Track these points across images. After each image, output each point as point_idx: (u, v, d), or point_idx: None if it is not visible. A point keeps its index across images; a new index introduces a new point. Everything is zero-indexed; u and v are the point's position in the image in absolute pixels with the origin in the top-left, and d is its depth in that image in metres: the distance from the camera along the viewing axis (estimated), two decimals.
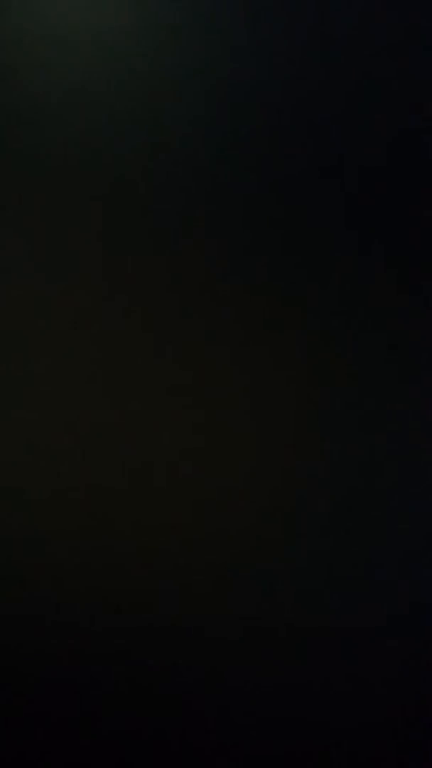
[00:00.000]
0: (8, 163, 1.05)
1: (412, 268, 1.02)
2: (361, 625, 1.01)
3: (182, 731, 1.02)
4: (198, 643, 1.02)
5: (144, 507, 1.03)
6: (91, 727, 1.03)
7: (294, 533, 1.02)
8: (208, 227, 1.04)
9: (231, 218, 1.04)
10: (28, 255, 1.05)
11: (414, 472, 1.01)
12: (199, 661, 1.02)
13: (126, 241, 1.04)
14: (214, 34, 1.04)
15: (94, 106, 1.05)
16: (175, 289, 1.04)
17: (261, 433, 1.03)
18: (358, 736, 1.01)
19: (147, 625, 1.02)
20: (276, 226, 1.03)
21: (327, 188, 1.03)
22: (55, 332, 1.04)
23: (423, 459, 1.01)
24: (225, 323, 1.03)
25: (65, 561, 1.03)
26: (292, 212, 1.03)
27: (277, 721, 1.02)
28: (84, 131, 1.05)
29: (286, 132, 1.03)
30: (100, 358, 1.04)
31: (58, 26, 1.05)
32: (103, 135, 1.05)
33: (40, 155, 1.05)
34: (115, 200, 1.05)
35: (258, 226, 1.03)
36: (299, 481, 1.02)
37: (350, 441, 1.02)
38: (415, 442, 1.02)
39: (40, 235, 1.05)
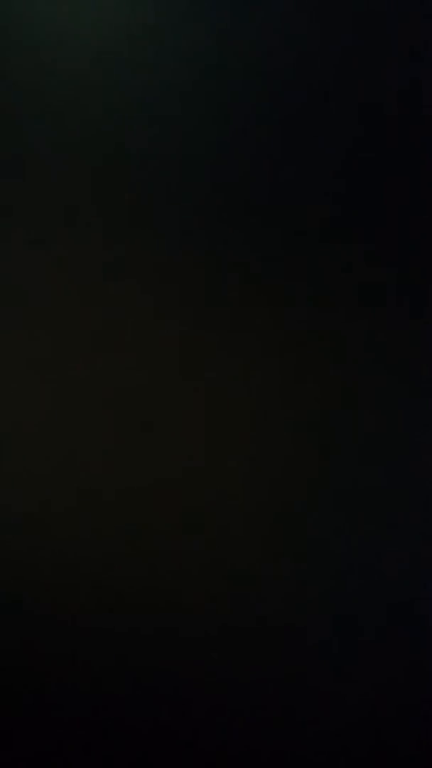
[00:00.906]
0: (8, 163, 1.05)
1: (413, 270, 1.02)
2: (361, 626, 1.01)
3: (182, 731, 1.02)
4: (198, 644, 1.02)
5: (143, 508, 1.03)
6: (91, 726, 1.03)
7: (294, 533, 1.02)
8: (209, 238, 1.04)
9: (232, 225, 1.04)
10: (26, 255, 1.05)
11: (415, 473, 1.02)
12: (199, 662, 1.02)
13: (126, 244, 1.04)
14: (211, 23, 1.04)
15: (94, 107, 1.05)
16: (176, 292, 1.04)
17: (261, 432, 1.03)
18: (358, 737, 1.01)
19: (147, 625, 1.03)
20: (276, 227, 1.03)
21: (332, 193, 1.03)
22: (55, 329, 1.04)
23: (423, 459, 1.02)
24: (227, 328, 1.03)
25: (65, 560, 1.03)
26: (292, 214, 1.03)
27: (277, 722, 1.02)
28: (83, 131, 1.05)
29: (287, 133, 1.03)
30: (100, 361, 1.04)
31: (58, 25, 1.05)
32: (102, 134, 1.05)
33: (39, 155, 1.05)
34: (114, 199, 1.05)
35: (258, 227, 1.03)
36: (299, 482, 1.02)
37: (351, 442, 1.02)
38: (416, 443, 1.02)
39: (39, 235, 1.05)
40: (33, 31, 1.05)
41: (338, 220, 1.03)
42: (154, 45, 1.05)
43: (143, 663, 1.03)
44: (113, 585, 1.03)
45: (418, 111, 1.03)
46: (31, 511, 1.04)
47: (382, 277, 1.03)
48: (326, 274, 1.03)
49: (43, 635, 1.03)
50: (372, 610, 1.01)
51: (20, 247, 1.05)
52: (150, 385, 1.04)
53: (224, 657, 1.02)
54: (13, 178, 1.05)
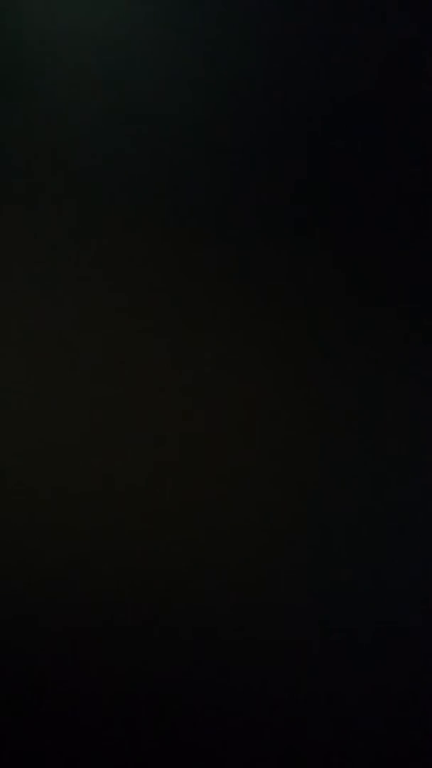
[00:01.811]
0: (7, 163, 1.05)
1: (413, 270, 1.02)
2: (361, 626, 1.01)
3: (182, 731, 1.02)
4: (198, 644, 1.02)
5: (144, 508, 1.03)
6: (91, 726, 1.03)
7: (295, 534, 1.02)
8: (210, 241, 1.04)
9: (233, 227, 1.04)
10: (25, 254, 1.05)
11: (416, 474, 1.02)
12: (199, 663, 1.02)
13: (125, 246, 1.04)
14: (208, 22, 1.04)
15: (94, 106, 1.05)
16: (176, 293, 1.04)
17: (261, 433, 1.03)
18: (358, 739, 1.01)
19: (146, 624, 1.03)
20: (276, 228, 1.03)
21: (331, 194, 1.03)
22: (54, 327, 1.05)
23: (424, 460, 1.02)
24: (225, 328, 1.03)
25: (65, 560, 1.03)
26: (292, 215, 1.03)
27: (277, 723, 1.02)
28: (83, 131, 1.05)
29: (288, 134, 1.03)
30: (99, 363, 1.04)
31: (58, 24, 1.05)
32: (102, 133, 1.05)
33: (39, 154, 1.05)
34: (113, 198, 1.05)
35: (258, 229, 1.03)
36: (299, 483, 1.02)
37: (352, 442, 1.02)
38: (417, 444, 1.02)
39: (39, 236, 1.05)
40: (32, 29, 1.06)
41: (338, 220, 1.03)
42: (153, 43, 1.05)
43: (143, 663, 1.03)
44: (113, 583, 1.03)
45: (419, 110, 1.03)
46: (32, 509, 1.04)
47: (382, 277, 1.03)
48: (326, 273, 1.03)
49: (43, 633, 1.03)
50: (373, 610, 1.01)
51: (19, 248, 1.05)
52: (150, 386, 1.04)
53: (224, 657, 1.02)
54: (10, 180, 1.05)
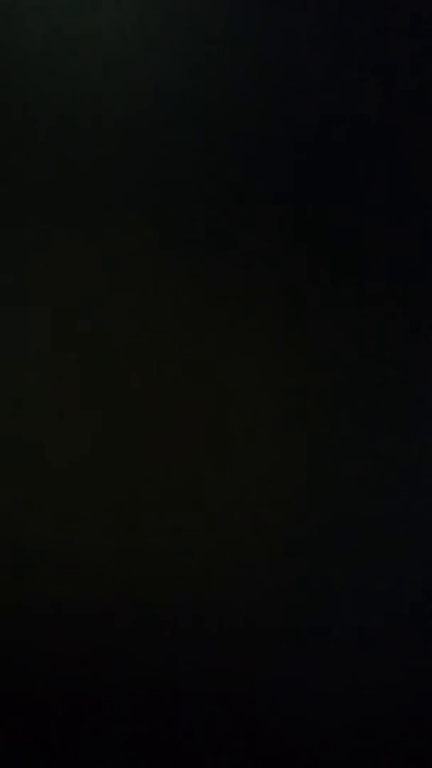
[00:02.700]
0: (8, 162, 1.05)
1: (413, 269, 1.02)
2: (361, 626, 1.01)
3: (182, 728, 1.03)
4: (198, 643, 1.03)
5: (143, 509, 1.03)
6: (91, 726, 1.03)
7: (294, 534, 1.02)
8: (210, 242, 1.04)
9: (232, 228, 1.04)
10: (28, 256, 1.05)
11: (416, 474, 1.02)
12: (199, 664, 1.03)
13: (124, 247, 1.04)
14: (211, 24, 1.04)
15: (94, 107, 1.05)
16: (176, 294, 1.04)
17: (261, 432, 1.03)
18: (357, 737, 1.01)
19: (145, 625, 1.03)
20: (276, 230, 1.03)
21: (331, 194, 1.03)
22: (56, 333, 1.05)
23: (425, 460, 1.02)
24: (225, 327, 1.03)
25: (66, 558, 1.03)
26: (292, 215, 1.03)
27: (276, 722, 1.02)
28: (83, 130, 1.05)
29: (288, 135, 1.03)
30: (100, 363, 1.04)
31: (59, 26, 1.05)
32: (102, 133, 1.05)
33: (40, 153, 1.05)
34: (114, 197, 1.05)
35: (259, 231, 1.03)
36: (299, 482, 1.02)
37: (352, 443, 1.02)
38: (418, 445, 1.02)
39: (38, 238, 1.05)
40: (32, 30, 1.06)
41: (339, 220, 1.03)
42: (153, 44, 1.05)
43: (143, 660, 1.03)
44: (112, 585, 1.03)
45: (419, 116, 1.03)
46: (33, 506, 1.04)
47: (382, 276, 1.03)
48: (325, 273, 1.03)
49: (43, 631, 1.04)
50: (372, 611, 1.01)
51: (19, 250, 1.05)
52: (150, 386, 1.04)
53: (224, 659, 1.02)
54: (11, 178, 1.05)
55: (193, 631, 1.02)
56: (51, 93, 1.05)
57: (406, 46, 1.02)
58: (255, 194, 1.03)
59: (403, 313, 1.02)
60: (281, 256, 1.03)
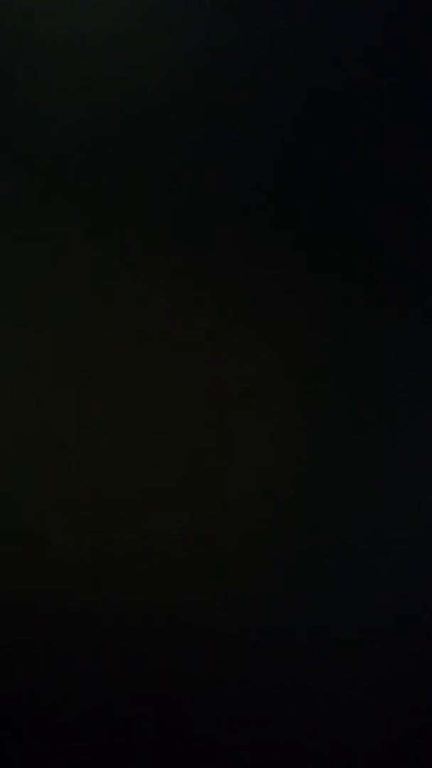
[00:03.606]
0: (7, 162, 1.05)
1: (412, 267, 1.03)
2: (361, 625, 1.02)
3: (183, 724, 1.03)
4: (198, 642, 1.03)
5: (145, 508, 1.03)
6: (92, 723, 1.03)
7: (294, 533, 1.02)
8: (208, 241, 1.04)
9: (230, 226, 1.04)
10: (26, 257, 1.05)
11: (415, 472, 1.02)
12: (199, 663, 1.03)
13: (123, 249, 1.04)
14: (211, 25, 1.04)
15: (94, 106, 1.05)
16: (175, 295, 1.04)
17: (260, 431, 1.03)
18: (357, 736, 1.02)
19: (145, 624, 1.03)
20: (276, 228, 1.03)
21: (330, 194, 1.03)
22: (56, 332, 1.05)
23: (424, 459, 1.02)
24: (224, 327, 1.03)
25: (66, 557, 1.03)
26: (291, 214, 1.03)
27: (275, 721, 1.02)
28: (82, 130, 1.05)
29: (287, 142, 1.03)
30: (100, 362, 1.04)
31: (58, 24, 1.05)
32: (102, 132, 1.05)
33: (39, 153, 1.05)
34: (113, 197, 1.05)
35: (259, 229, 1.03)
36: (299, 481, 1.02)
37: (352, 442, 1.02)
38: (416, 443, 1.02)
39: (41, 236, 1.05)
40: (32, 28, 1.05)
41: (338, 218, 1.03)
42: (153, 42, 1.05)
43: (143, 656, 1.03)
44: (112, 585, 1.03)
45: (419, 119, 1.03)
46: (33, 502, 1.04)
47: (381, 274, 1.03)
48: (325, 270, 1.03)
49: (43, 628, 1.03)
50: (371, 610, 1.02)
51: (21, 246, 1.05)
52: (150, 382, 1.04)
53: (224, 657, 1.02)
54: (14, 177, 1.05)
55: (193, 629, 1.03)
56: (49, 88, 1.05)
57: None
58: (255, 187, 1.04)
59: (403, 303, 1.02)
60: (281, 252, 1.03)
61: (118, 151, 1.05)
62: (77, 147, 1.05)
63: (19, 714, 1.03)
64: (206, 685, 1.02)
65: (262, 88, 1.04)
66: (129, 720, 1.03)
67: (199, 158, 1.04)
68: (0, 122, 1.05)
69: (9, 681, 1.03)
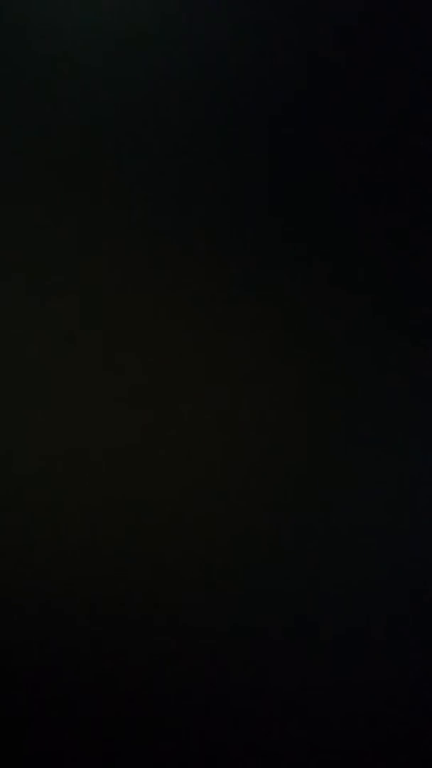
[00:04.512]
0: (8, 160, 1.05)
1: (413, 265, 1.02)
2: (360, 625, 1.01)
3: (181, 729, 1.03)
4: (198, 640, 1.03)
5: (144, 506, 1.03)
6: (91, 725, 1.03)
7: (293, 531, 1.02)
8: (209, 239, 1.04)
9: (230, 225, 1.03)
10: (27, 255, 1.05)
11: (414, 470, 1.01)
12: (200, 661, 1.03)
13: (125, 251, 1.04)
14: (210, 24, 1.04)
15: (94, 104, 1.05)
16: (177, 296, 1.04)
17: (261, 429, 1.03)
18: (357, 735, 1.02)
19: (145, 622, 1.03)
20: (277, 225, 1.03)
21: (329, 194, 1.03)
22: (56, 329, 1.05)
23: (424, 456, 1.01)
24: (226, 327, 1.03)
25: (66, 555, 1.04)
26: (291, 210, 1.03)
27: (275, 722, 1.02)
28: (82, 129, 1.05)
29: (288, 134, 1.03)
30: (99, 357, 1.04)
31: (59, 22, 1.05)
32: (102, 131, 1.05)
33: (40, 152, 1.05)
34: (113, 196, 1.05)
35: (260, 226, 1.03)
36: (299, 478, 1.02)
37: (352, 442, 1.02)
38: (420, 434, 1.02)
39: (40, 234, 1.05)
40: (32, 26, 1.06)
41: (339, 215, 1.03)
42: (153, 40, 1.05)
43: (144, 651, 1.03)
44: (112, 583, 1.03)
45: (419, 115, 1.02)
46: (35, 499, 1.04)
47: (382, 271, 1.02)
48: (327, 270, 1.03)
49: (45, 625, 1.04)
50: (371, 608, 1.01)
51: (19, 244, 1.05)
52: (152, 379, 1.04)
53: (223, 655, 1.02)
54: (12, 174, 1.05)
55: (193, 626, 1.03)
56: (49, 84, 1.05)
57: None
58: (255, 183, 1.03)
59: (403, 302, 1.02)
60: (282, 250, 1.03)
61: (116, 131, 1.05)
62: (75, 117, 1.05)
63: (22, 712, 1.04)
64: (207, 681, 1.02)
65: (256, 75, 1.03)
66: (128, 719, 1.03)
67: (198, 143, 1.04)
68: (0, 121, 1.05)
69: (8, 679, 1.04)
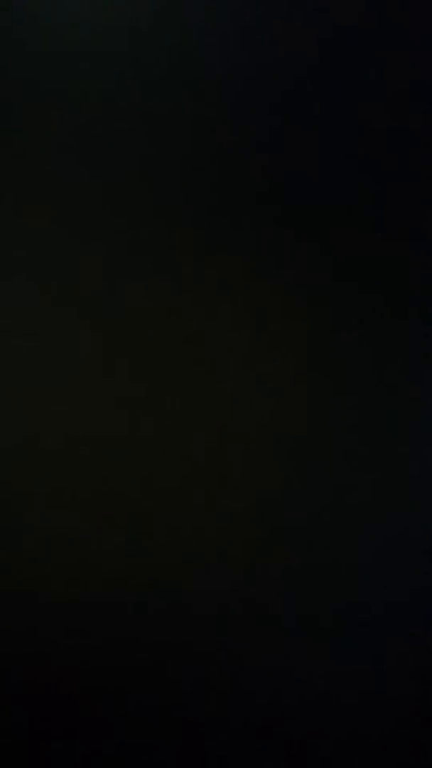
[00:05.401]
0: (8, 160, 1.06)
1: (413, 263, 1.03)
2: (360, 623, 1.01)
3: (182, 727, 1.02)
4: (200, 624, 1.02)
5: (145, 505, 1.03)
6: (91, 724, 1.03)
7: (293, 529, 1.02)
8: (210, 232, 1.04)
9: (231, 217, 1.04)
10: (28, 252, 1.05)
11: (414, 468, 1.02)
12: (199, 656, 1.02)
13: (126, 241, 1.05)
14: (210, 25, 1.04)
15: (94, 104, 1.05)
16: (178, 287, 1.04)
17: (260, 427, 1.03)
18: (358, 733, 1.01)
19: (149, 603, 1.03)
20: (277, 222, 1.04)
21: (329, 187, 1.03)
22: (56, 325, 1.05)
23: (423, 454, 1.02)
24: (226, 320, 1.03)
25: (67, 549, 1.03)
26: (293, 207, 1.04)
27: (274, 717, 1.02)
28: (83, 130, 1.05)
29: (288, 126, 1.04)
30: (100, 355, 1.04)
31: (59, 22, 1.06)
32: (102, 130, 1.05)
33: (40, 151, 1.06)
34: (113, 195, 1.05)
35: (259, 223, 1.04)
36: (299, 475, 1.02)
37: (352, 436, 1.02)
38: (416, 439, 1.02)
39: (40, 233, 1.05)
40: (33, 26, 1.06)
41: (338, 212, 1.03)
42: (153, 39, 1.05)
43: (146, 641, 1.03)
44: (112, 582, 1.03)
45: (419, 112, 1.03)
46: (34, 496, 1.04)
47: (381, 268, 1.03)
48: (326, 264, 1.03)
49: (46, 619, 1.03)
50: (374, 597, 1.01)
51: (18, 242, 1.05)
52: (151, 374, 1.04)
53: (224, 653, 1.02)
54: (11, 172, 1.06)
55: (193, 621, 1.02)
56: (49, 80, 1.06)
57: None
58: (256, 177, 1.04)
59: (406, 275, 1.02)
60: (283, 246, 1.03)
61: (118, 123, 1.05)
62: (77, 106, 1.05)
63: (25, 710, 1.03)
64: (210, 667, 1.02)
65: (255, 68, 1.04)
66: (129, 718, 1.03)
67: (198, 141, 1.04)
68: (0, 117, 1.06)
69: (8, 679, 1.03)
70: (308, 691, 1.01)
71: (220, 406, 1.03)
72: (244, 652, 1.02)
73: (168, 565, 1.03)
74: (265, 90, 1.04)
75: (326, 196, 1.03)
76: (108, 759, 1.02)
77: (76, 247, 1.05)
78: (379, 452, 1.02)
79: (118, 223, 1.05)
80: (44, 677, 1.03)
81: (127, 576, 1.03)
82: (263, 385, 1.03)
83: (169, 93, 1.05)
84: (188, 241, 1.04)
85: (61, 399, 1.04)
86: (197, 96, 1.04)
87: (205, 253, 1.04)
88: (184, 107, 1.05)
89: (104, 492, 1.03)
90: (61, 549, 1.03)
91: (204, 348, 1.04)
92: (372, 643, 1.01)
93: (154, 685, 1.02)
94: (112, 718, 1.02)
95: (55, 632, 1.03)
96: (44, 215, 1.05)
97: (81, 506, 1.03)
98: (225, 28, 1.05)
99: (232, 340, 1.03)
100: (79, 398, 1.04)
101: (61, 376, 1.04)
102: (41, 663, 1.03)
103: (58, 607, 1.03)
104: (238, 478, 1.02)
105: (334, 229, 1.03)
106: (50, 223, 1.05)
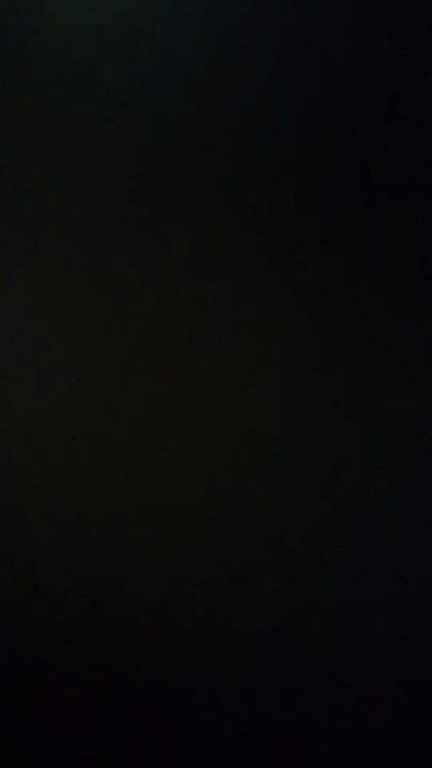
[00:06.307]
0: (8, 159, 1.06)
1: (413, 261, 1.03)
2: (360, 623, 1.01)
3: (182, 725, 1.02)
4: (199, 638, 1.02)
5: (145, 503, 1.03)
6: (91, 724, 1.03)
7: (292, 527, 1.02)
8: (209, 230, 1.04)
9: (230, 214, 1.04)
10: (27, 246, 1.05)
11: (414, 466, 1.02)
12: (199, 660, 1.02)
13: (123, 240, 1.05)
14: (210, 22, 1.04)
15: (94, 103, 1.06)
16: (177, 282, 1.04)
17: (260, 425, 1.03)
18: (358, 732, 1.01)
19: (144, 611, 1.03)
20: (277, 218, 1.04)
21: (327, 181, 1.03)
22: (54, 319, 1.05)
23: (423, 452, 1.02)
24: (225, 316, 1.03)
25: (67, 552, 1.03)
26: (293, 205, 1.04)
27: (276, 713, 1.02)
28: (83, 129, 1.06)
29: (288, 130, 1.04)
30: (99, 352, 1.04)
31: (59, 21, 1.06)
32: (102, 130, 1.05)
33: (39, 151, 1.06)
34: (113, 194, 1.05)
35: (259, 219, 1.04)
36: (300, 473, 1.02)
37: (352, 433, 1.02)
38: (417, 436, 1.02)
39: (34, 226, 1.05)
40: (33, 25, 1.06)
41: (339, 210, 1.04)
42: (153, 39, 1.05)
43: (142, 650, 1.03)
44: (112, 580, 1.03)
45: (419, 113, 1.03)
46: (33, 495, 1.04)
47: (382, 266, 1.03)
48: (326, 259, 1.03)
49: (41, 629, 1.03)
50: (373, 598, 1.01)
51: (15, 239, 1.05)
52: (149, 370, 1.04)
53: (223, 652, 1.02)
54: (10, 171, 1.06)
55: (193, 625, 1.02)
56: (49, 78, 1.06)
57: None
58: (255, 172, 1.04)
59: (407, 270, 1.02)
60: (283, 244, 1.03)
61: (115, 130, 1.05)
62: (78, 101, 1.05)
63: (26, 708, 1.03)
64: (208, 674, 1.02)
65: (264, 64, 1.04)
66: (128, 717, 1.03)
67: (196, 141, 1.04)
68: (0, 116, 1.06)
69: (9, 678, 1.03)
70: (308, 694, 1.01)
71: (220, 406, 1.03)
72: (244, 653, 1.02)
73: (168, 565, 1.03)
74: (265, 90, 1.04)
75: (326, 195, 1.03)
76: (108, 759, 1.02)
77: (75, 245, 1.05)
78: (379, 452, 1.02)
79: (119, 223, 1.05)
80: (44, 677, 1.03)
81: (128, 576, 1.03)
82: (263, 385, 1.03)
83: (169, 93, 1.05)
84: (188, 241, 1.04)
85: (60, 397, 1.04)
86: (197, 96, 1.05)
87: (205, 253, 1.04)
88: (184, 107, 1.05)
89: (104, 492, 1.03)
90: (61, 549, 1.03)
91: (204, 348, 1.04)
92: (372, 644, 1.01)
93: (153, 689, 1.02)
94: (112, 718, 1.02)
95: (55, 632, 1.03)
96: (42, 208, 1.05)
97: (81, 506, 1.03)
98: (226, 27, 1.05)
99: (232, 340, 1.03)
100: (78, 398, 1.04)
101: (61, 375, 1.04)
102: (41, 663, 1.03)
103: (59, 607, 1.03)
104: (239, 477, 1.02)
105: (335, 226, 1.03)
106: (48, 216, 1.05)
